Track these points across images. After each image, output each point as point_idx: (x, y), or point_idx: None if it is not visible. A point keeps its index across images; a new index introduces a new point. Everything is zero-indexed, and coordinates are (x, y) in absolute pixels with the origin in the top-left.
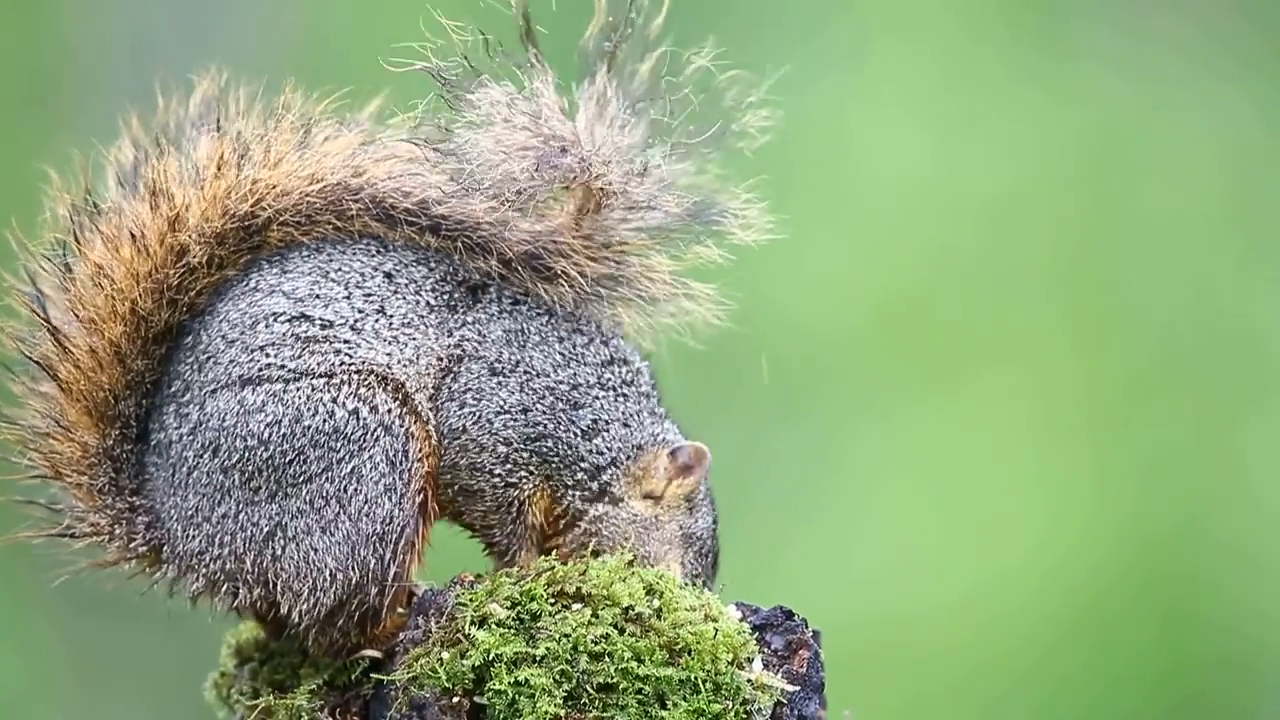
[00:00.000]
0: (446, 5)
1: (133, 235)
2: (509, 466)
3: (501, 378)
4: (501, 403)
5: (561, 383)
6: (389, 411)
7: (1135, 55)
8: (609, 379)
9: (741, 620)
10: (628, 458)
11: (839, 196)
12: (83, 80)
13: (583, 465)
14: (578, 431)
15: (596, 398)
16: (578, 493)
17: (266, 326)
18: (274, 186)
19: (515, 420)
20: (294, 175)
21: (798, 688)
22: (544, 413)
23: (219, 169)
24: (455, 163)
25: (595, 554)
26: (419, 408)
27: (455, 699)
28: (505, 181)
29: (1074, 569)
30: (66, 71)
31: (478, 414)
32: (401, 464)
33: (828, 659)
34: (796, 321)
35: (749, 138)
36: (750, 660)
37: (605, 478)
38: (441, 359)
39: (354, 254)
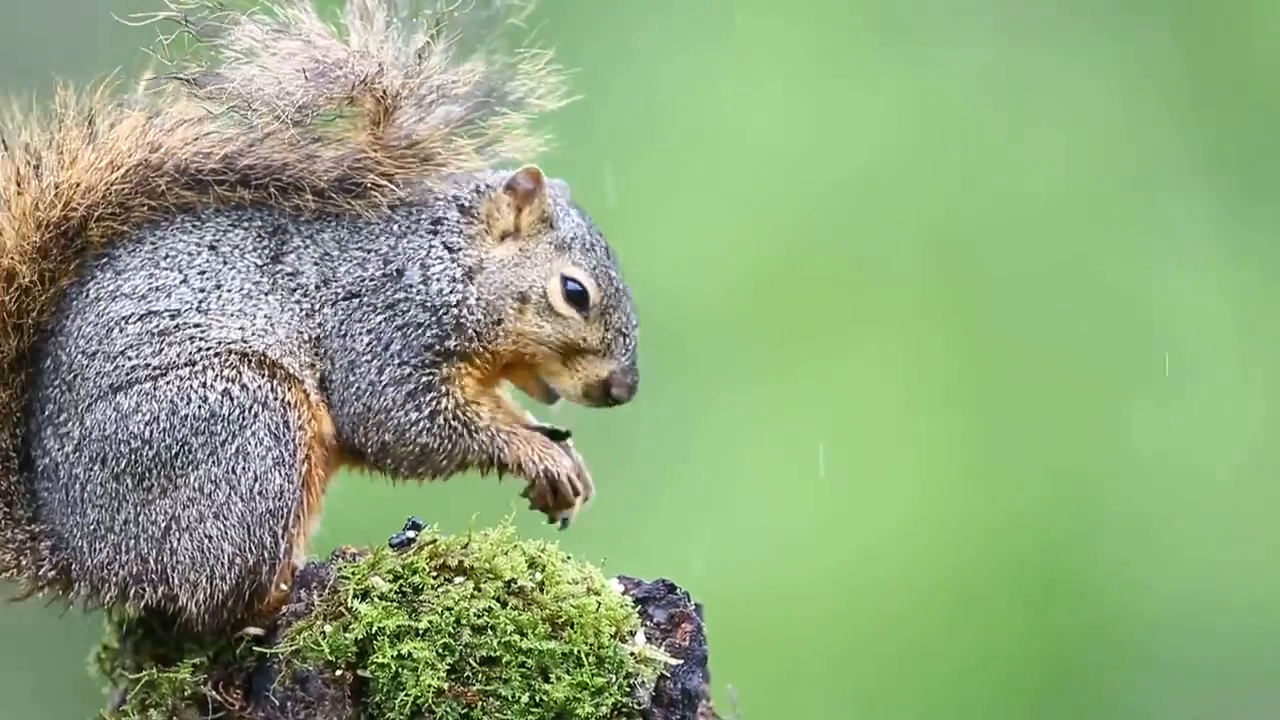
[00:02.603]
0: None
1: None
2: (410, 388)
3: (348, 318)
4: (359, 354)
5: (374, 274)
6: (259, 387)
7: (1003, 18)
8: (399, 228)
9: (624, 594)
10: (461, 234)
11: (701, 167)
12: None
13: (443, 303)
14: (418, 290)
15: (404, 251)
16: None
17: (120, 331)
18: (77, 185)
19: (378, 350)
20: (93, 169)
21: (681, 661)
22: (386, 309)
23: (19, 185)
24: (227, 99)
25: (498, 322)
26: (292, 372)
27: (338, 672)
28: (282, 99)
29: (946, 542)
30: None
31: (360, 398)
32: (284, 435)
33: (709, 633)
34: (660, 292)
35: (515, 9)
36: (633, 634)
37: (460, 269)
38: (303, 333)
39: (175, 235)
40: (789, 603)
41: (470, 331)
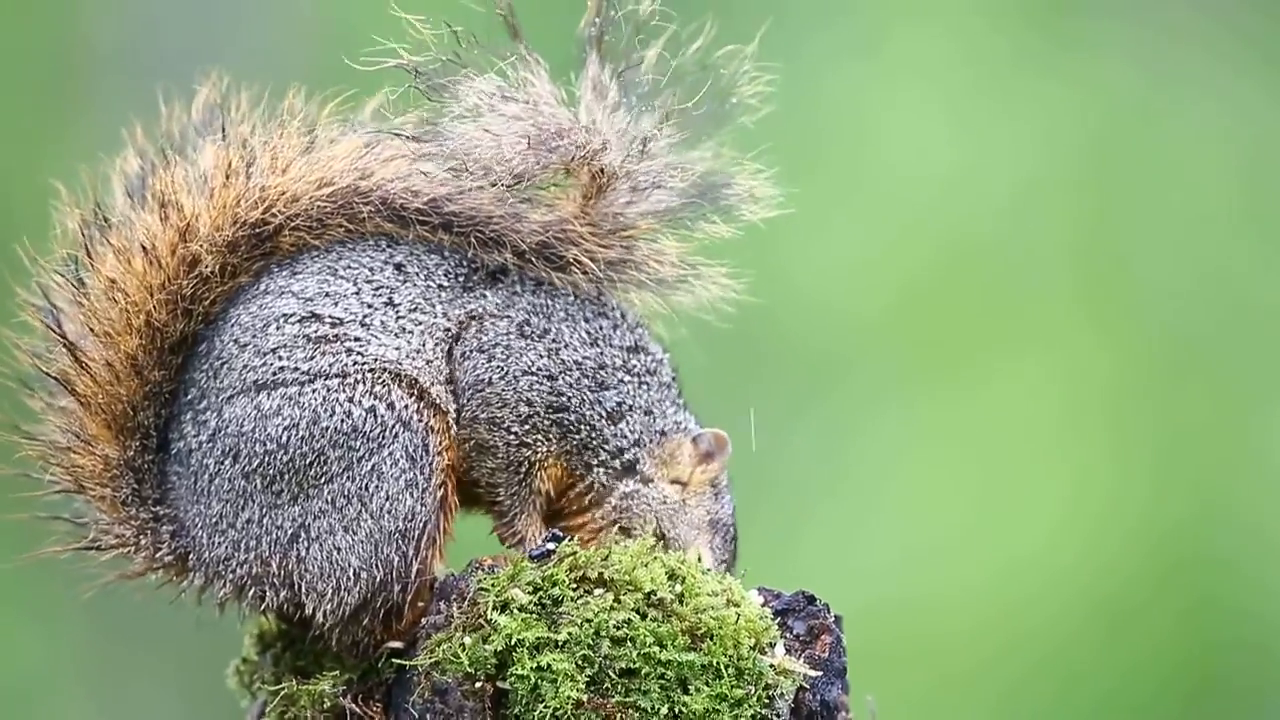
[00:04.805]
0: (435, 3)
1: (144, 248)
2: (526, 428)
3: (530, 341)
4: (530, 364)
5: (588, 359)
6: (406, 407)
7: (1148, 46)
8: (634, 365)
9: (763, 605)
10: (651, 441)
11: (858, 182)
12: (99, 67)
13: (606, 447)
14: (602, 412)
15: (622, 381)
16: (603, 470)
17: (277, 329)
18: (283, 193)
19: (541, 385)
20: (302, 180)
21: (820, 673)
22: (570, 386)
23: (227, 178)
24: (443, 153)
25: (625, 532)
26: (436, 400)
27: (478, 684)
28: (500, 164)
29: (1093, 553)
30: (83, 58)
31: (505, 369)
32: (422, 459)
33: (849, 645)
34: (816, 306)
35: (748, 110)
36: (772, 645)
37: (629, 457)
38: (450, 328)
39: (363, 250)
40: (928, 616)
41: (619, 465)
